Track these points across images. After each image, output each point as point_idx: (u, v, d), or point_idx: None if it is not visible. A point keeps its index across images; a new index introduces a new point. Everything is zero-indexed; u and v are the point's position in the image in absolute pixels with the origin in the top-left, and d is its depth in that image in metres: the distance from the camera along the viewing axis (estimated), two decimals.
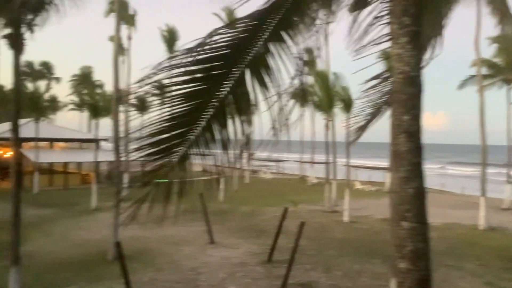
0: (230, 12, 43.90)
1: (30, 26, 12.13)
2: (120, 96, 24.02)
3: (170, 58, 3.58)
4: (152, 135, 3.77)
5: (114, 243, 16.27)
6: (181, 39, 51.33)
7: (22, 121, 41.04)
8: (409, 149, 4.76)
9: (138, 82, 3.62)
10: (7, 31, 12.14)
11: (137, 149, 3.73)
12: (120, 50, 22.44)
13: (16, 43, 11.97)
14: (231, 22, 3.79)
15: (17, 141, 13.08)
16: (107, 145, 51.06)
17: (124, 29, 41.79)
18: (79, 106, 72.75)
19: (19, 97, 13.22)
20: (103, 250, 19.94)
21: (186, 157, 3.92)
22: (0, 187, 33.75)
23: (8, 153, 44.73)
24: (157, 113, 3.80)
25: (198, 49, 3.45)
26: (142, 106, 51.13)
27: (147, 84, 3.63)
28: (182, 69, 3.57)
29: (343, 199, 30.40)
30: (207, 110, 3.70)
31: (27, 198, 29.97)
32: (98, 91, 57.37)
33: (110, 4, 32.70)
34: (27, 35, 12.18)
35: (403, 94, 4.78)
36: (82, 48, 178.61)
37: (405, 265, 4.76)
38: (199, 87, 3.57)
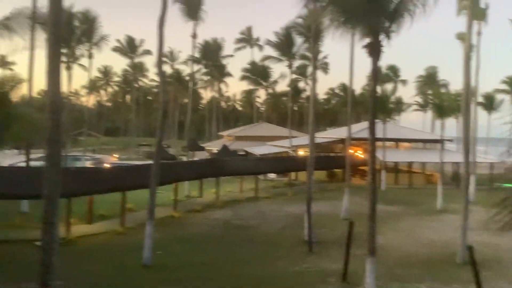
0: None
1: (388, 34, 13.00)
2: (470, 95, 23.03)
3: None
4: None
5: (465, 247, 15.81)
6: None
7: (367, 123, 43.78)
8: None
9: None
10: (367, 40, 13.32)
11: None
12: (470, 47, 21.53)
13: (375, 51, 13.04)
14: None
15: (373, 141, 14.18)
16: (452, 146, 49.79)
17: (474, 25, 39.73)
18: (423, 106, 73.39)
19: (376, 100, 14.31)
20: (450, 252, 19.61)
21: None
22: (354, 183, 37.22)
23: (359, 152, 49.01)
24: None
25: None
26: (490, 105, 47.78)
27: None
28: None
29: None
30: None
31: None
32: (443, 90, 56.49)
33: (460, 2, 31.71)
34: (384, 42, 13.12)
35: None
36: (427, 49, 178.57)
37: None
38: None
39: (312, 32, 24.98)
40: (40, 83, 64.23)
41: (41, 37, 13.99)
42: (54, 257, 9.07)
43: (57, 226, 9.33)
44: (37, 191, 17.28)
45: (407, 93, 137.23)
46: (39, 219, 20.08)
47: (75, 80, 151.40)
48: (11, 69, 76.96)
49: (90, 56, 52.68)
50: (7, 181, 20.51)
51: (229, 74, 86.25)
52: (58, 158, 9.00)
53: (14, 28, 12.42)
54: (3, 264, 16.78)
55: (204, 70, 78.13)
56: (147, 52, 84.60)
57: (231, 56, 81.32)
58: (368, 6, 12.47)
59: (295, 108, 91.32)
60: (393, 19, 12.92)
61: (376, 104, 14.28)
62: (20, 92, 19.04)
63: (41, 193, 9.76)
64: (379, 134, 42.98)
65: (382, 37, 13.22)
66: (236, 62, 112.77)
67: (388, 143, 48.92)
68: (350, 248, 16.12)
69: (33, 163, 29.59)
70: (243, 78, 77.14)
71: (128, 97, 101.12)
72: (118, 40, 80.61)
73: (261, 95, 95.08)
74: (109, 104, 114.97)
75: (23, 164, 29.72)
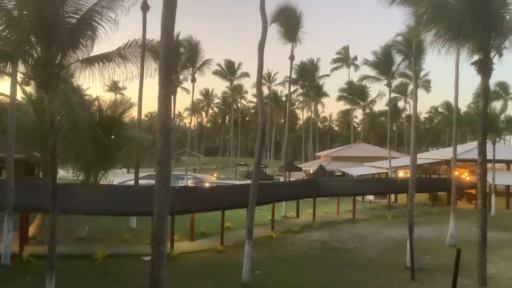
0: None
1: (499, 51, 12.24)
2: None
3: None
4: None
5: None
6: None
7: (474, 143, 41.14)
8: None
9: None
10: (476, 57, 12.64)
11: None
12: None
13: (485, 69, 12.31)
14: None
15: (483, 163, 13.34)
16: None
17: None
18: None
19: (486, 120, 13.48)
20: None
21: None
22: (460, 207, 35.20)
23: (465, 174, 46.18)
24: None
25: None
26: None
27: None
28: None
29: None
30: None
31: None
32: None
33: None
34: (495, 59, 12.35)
35: None
36: None
37: None
38: None
39: (413, 50, 24.21)
40: (147, 105, 68.59)
41: (150, 65, 14.89)
42: (163, 272, 9.50)
43: (165, 243, 9.79)
44: (145, 209, 18.38)
45: None
46: (146, 234, 21.24)
47: (179, 102, 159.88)
48: (122, 94, 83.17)
49: (193, 80, 55.29)
50: (118, 198, 22.00)
51: (325, 94, 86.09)
52: (168, 178, 9.49)
53: (128, 56, 13.40)
54: (115, 277, 17.90)
55: (300, 90, 78.73)
56: (245, 74, 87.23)
57: (328, 76, 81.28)
58: (478, 22, 11.81)
59: (394, 128, 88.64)
60: (505, 35, 12.12)
61: (486, 124, 13.43)
62: (130, 115, 20.34)
63: (148, 211, 10.31)
64: (488, 155, 40.38)
65: (493, 54, 12.46)
66: (333, 81, 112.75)
67: (498, 165, 45.62)
68: (457, 277, 15.14)
69: (141, 182, 31.50)
70: (340, 98, 76.54)
71: (227, 118, 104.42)
72: (218, 64, 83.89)
73: (358, 115, 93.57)
74: (209, 125, 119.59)
75: (132, 183, 31.72)
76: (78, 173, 14.70)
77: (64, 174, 40.55)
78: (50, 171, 13.06)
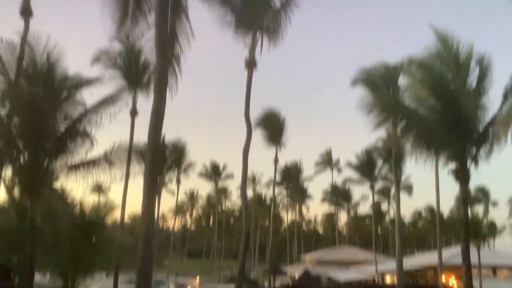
0: None
1: (475, 159, 12.68)
2: None
3: None
4: None
5: None
6: None
7: (459, 248, 40.97)
8: None
9: None
10: (452, 165, 13.05)
11: None
12: None
13: (463, 177, 12.66)
14: None
15: (468, 272, 13.22)
16: None
17: None
18: None
19: (467, 226, 13.59)
20: None
21: None
22: None
23: (452, 278, 45.16)
24: None
25: None
26: None
27: None
28: None
29: None
30: None
31: None
32: None
33: None
34: (472, 167, 12.76)
35: None
36: None
37: None
38: None
39: (393, 155, 24.96)
40: (131, 204, 67.88)
41: (135, 167, 15.03)
42: None
43: None
44: None
45: (499, 215, 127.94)
46: None
47: (163, 202, 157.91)
48: (106, 195, 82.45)
49: (178, 182, 55.44)
50: None
51: (309, 197, 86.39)
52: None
53: (114, 161, 13.54)
54: None
55: (284, 193, 79.06)
56: (230, 176, 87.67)
57: (311, 180, 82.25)
58: (451, 131, 12.37)
59: (379, 232, 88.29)
60: (480, 145, 12.65)
61: (468, 231, 13.53)
62: (112, 217, 20.10)
63: None
64: (474, 259, 39.81)
65: (469, 162, 12.89)
66: (317, 182, 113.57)
67: (484, 271, 44.86)
68: None
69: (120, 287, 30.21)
70: (324, 200, 76.87)
71: (211, 219, 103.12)
72: (203, 165, 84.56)
73: (343, 217, 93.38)
74: (193, 226, 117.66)
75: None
76: (55, 279, 14.18)
77: (41, 279, 38.81)
78: (27, 277, 12.58)
